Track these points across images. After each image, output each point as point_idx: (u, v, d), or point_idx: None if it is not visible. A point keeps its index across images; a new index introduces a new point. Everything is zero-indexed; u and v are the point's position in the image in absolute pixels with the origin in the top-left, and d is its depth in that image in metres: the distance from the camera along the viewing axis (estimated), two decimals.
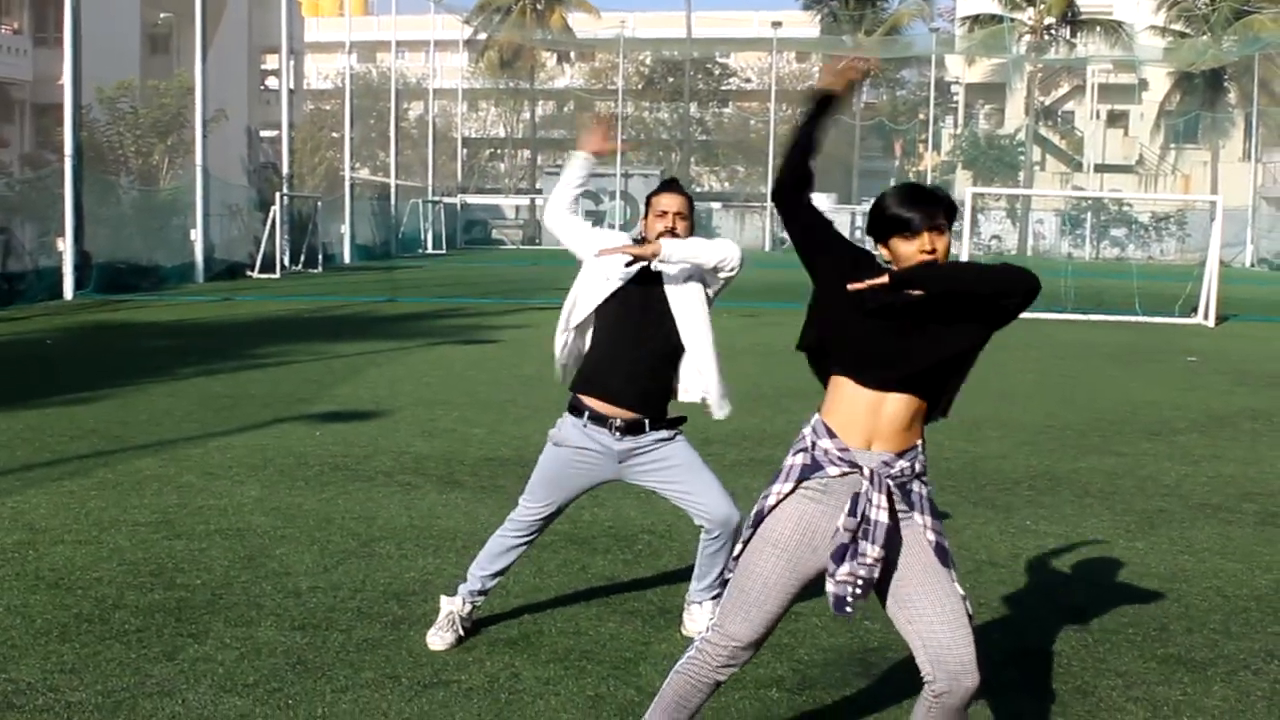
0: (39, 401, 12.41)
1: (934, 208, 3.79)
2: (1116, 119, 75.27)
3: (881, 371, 3.77)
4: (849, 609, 3.72)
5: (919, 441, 3.84)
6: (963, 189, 72.33)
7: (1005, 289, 3.80)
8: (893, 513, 3.74)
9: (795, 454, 3.84)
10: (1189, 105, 71.31)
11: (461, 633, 5.59)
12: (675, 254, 5.22)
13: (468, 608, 5.63)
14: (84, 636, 5.64)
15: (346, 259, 45.49)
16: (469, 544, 7.24)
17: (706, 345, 5.39)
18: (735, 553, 3.92)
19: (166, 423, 11.37)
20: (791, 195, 3.93)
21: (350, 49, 53.25)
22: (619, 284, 5.37)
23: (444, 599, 5.66)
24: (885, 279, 3.71)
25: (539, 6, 75.01)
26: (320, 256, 40.35)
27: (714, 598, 5.61)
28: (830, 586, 3.72)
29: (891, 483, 3.74)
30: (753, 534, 3.85)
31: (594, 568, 6.83)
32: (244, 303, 26.67)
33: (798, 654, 5.53)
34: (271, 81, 60.40)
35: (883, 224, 3.81)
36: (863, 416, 3.76)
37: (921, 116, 76.24)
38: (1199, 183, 69.88)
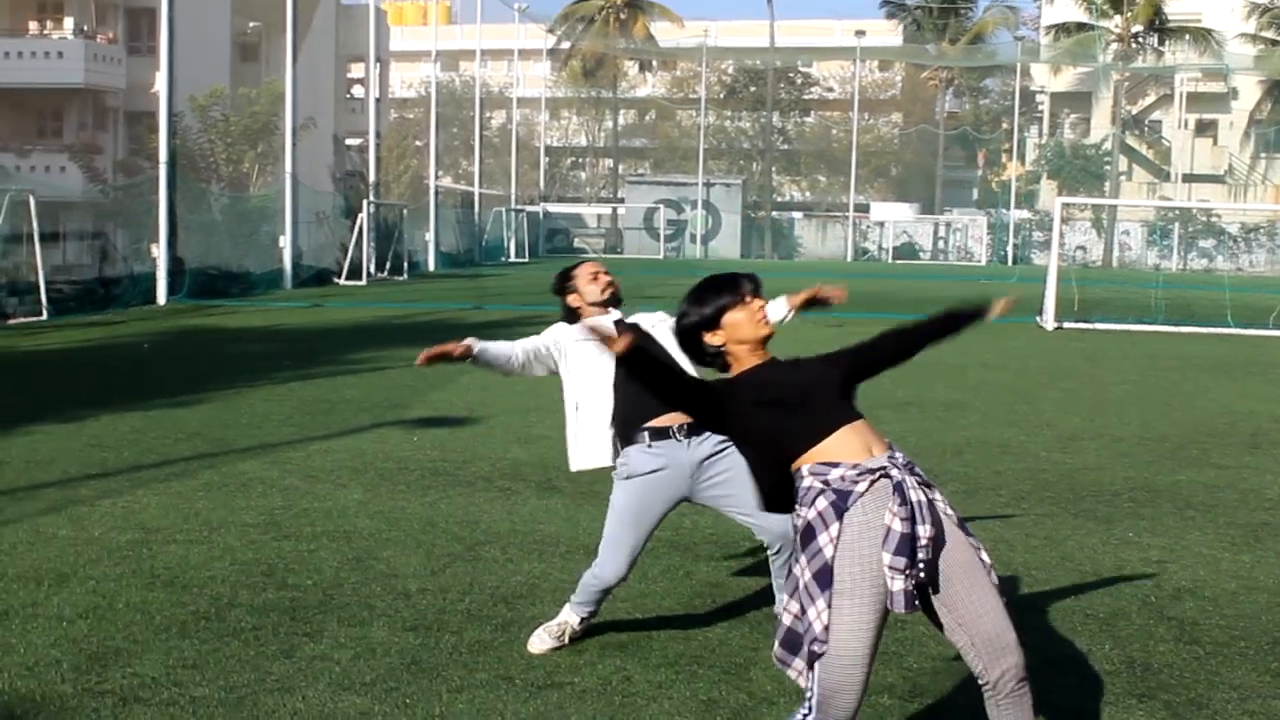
0: (141, 404, 12.66)
1: (744, 280, 4.20)
2: (1205, 128, 74.21)
3: (829, 423, 3.96)
4: (917, 604, 3.78)
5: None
6: (1048, 199, 71.82)
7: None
8: (925, 493, 3.87)
9: (813, 504, 3.84)
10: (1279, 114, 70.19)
11: (565, 643, 5.63)
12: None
13: (581, 625, 5.67)
14: (203, 633, 5.76)
15: (431, 266, 45.89)
16: (572, 549, 7.34)
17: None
18: (814, 623, 3.79)
19: (267, 426, 11.56)
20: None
21: (436, 57, 53.68)
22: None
23: (569, 608, 5.67)
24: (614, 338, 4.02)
25: (622, 16, 75.23)
26: (405, 264, 40.72)
27: None
28: (896, 584, 3.73)
29: (912, 475, 3.88)
30: (828, 595, 3.77)
31: (699, 574, 6.87)
32: (333, 309, 26.99)
33: (907, 661, 5.55)
34: (357, 90, 61.08)
35: (707, 319, 4.14)
36: (848, 443, 3.91)
37: (1005, 126, 75.66)
38: None
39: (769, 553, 5.64)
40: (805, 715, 3.82)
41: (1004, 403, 14.02)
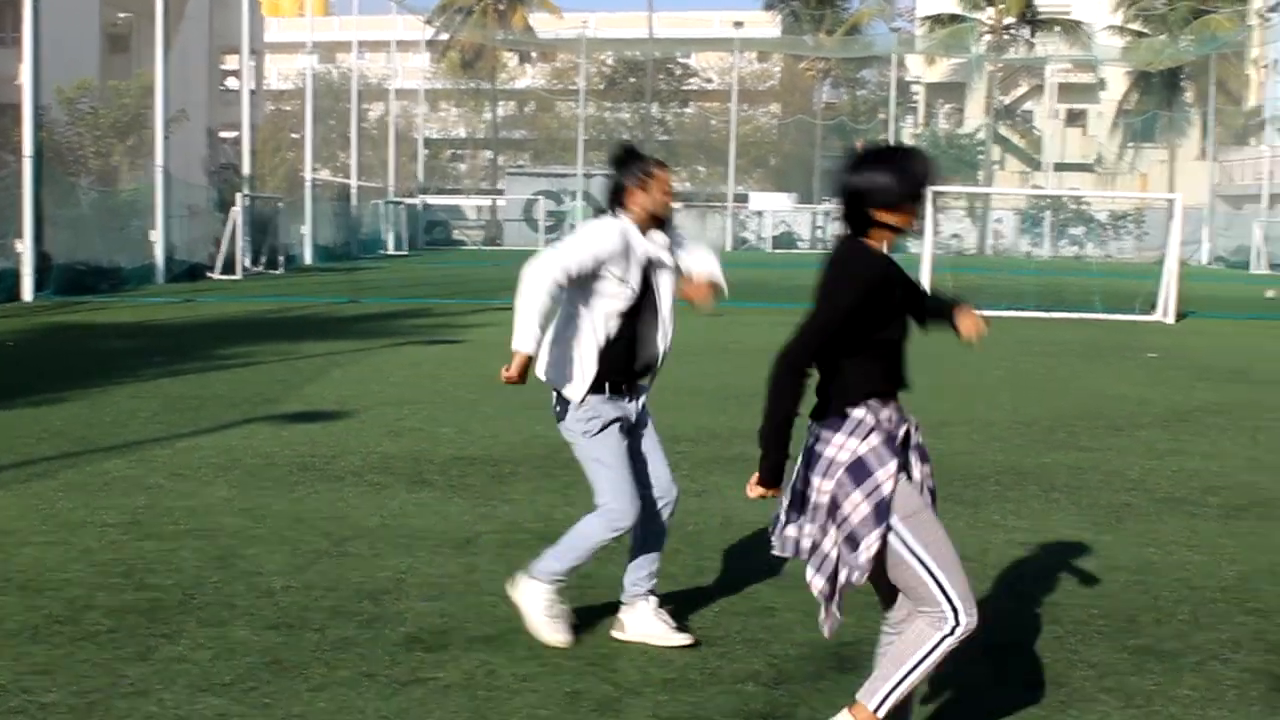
0: (3, 403, 12.32)
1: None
2: (1075, 118, 75.80)
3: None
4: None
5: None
6: None
7: None
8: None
9: (865, 437, 3.98)
10: (1147, 104, 71.85)
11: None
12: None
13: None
14: (56, 638, 5.61)
15: (308, 260, 45.27)
16: (440, 543, 7.26)
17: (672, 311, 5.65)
18: (861, 554, 3.98)
19: (132, 424, 11.31)
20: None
21: (311, 49, 52.99)
22: (638, 280, 5.48)
23: (542, 590, 5.60)
24: None
25: (500, 7, 74.92)
26: (281, 258, 40.13)
27: (655, 593, 5.65)
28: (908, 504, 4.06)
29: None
30: (883, 528, 3.95)
31: None
32: (206, 304, 26.52)
33: (773, 649, 5.56)
34: (231, 82, 60.07)
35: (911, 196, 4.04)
36: (897, 386, 4.11)
37: (882, 116, 76.48)
38: (1157, 181, 70.40)
39: (661, 503, 5.62)
40: (954, 625, 4.00)
41: None
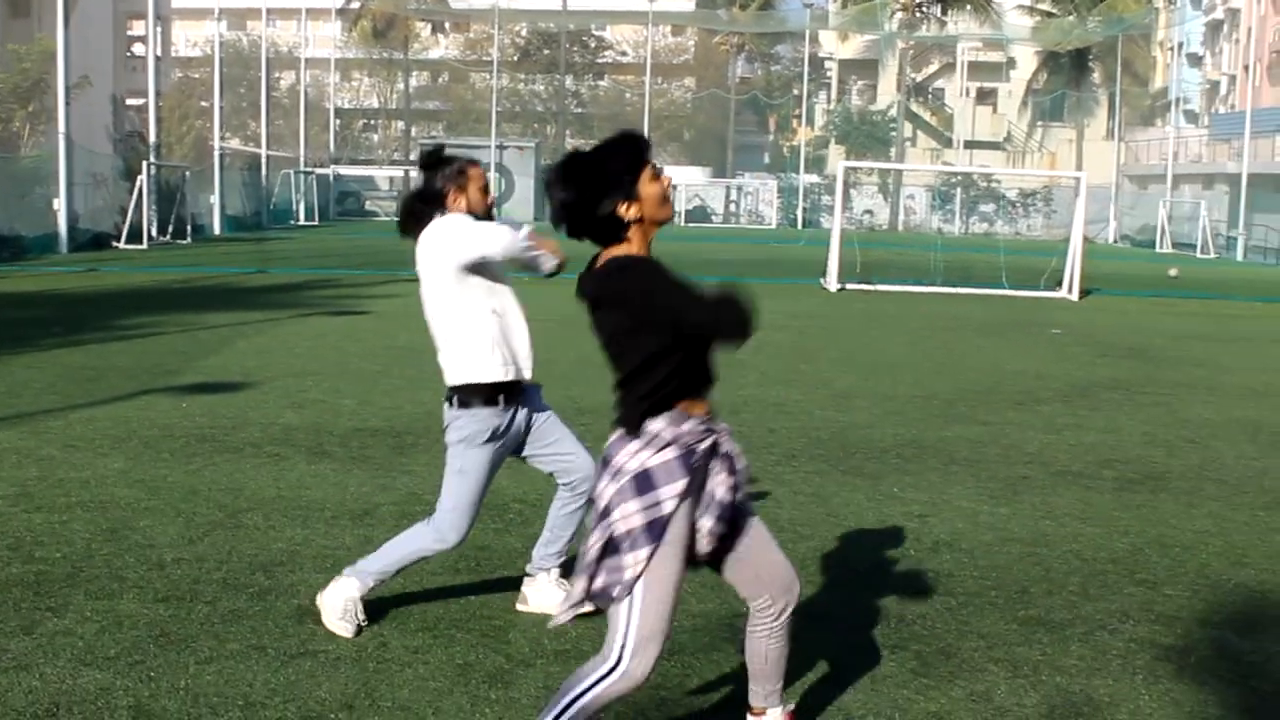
0: None
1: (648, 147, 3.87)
2: (985, 96, 76.51)
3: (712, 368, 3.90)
4: (707, 555, 3.87)
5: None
6: (836, 164, 73.21)
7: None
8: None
9: (659, 451, 3.70)
10: (1055, 84, 72.68)
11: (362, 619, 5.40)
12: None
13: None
14: None
15: (216, 230, 44.65)
16: (338, 514, 7.20)
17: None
18: (627, 571, 3.69)
19: (26, 395, 11.09)
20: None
21: (220, 15, 52.17)
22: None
23: (349, 584, 5.33)
24: None
25: None
26: (189, 227, 39.52)
27: (559, 566, 5.63)
28: (703, 546, 3.80)
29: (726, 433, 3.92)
30: (653, 548, 3.69)
31: None
32: (109, 274, 26.07)
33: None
34: (138, 48, 59.00)
35: (623, 171, 3.75)
36: (706, 389, 3.86)
37: (796, 92, 76.76)
38: (1065, 160, 71.24)
39: (566, 494, 5.55)
40: (612, 667, 3.69)
41: (783, 362, 14.22)
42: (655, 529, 3.68)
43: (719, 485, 3.81)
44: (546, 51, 77.92)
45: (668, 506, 3.68)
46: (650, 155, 3.83)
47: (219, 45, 50.51)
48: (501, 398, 5.24)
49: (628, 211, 3.73)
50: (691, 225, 64.81)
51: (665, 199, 3.80)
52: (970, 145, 73.47)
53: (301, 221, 56.16)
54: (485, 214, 5.37)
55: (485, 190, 5.39)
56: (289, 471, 8.27)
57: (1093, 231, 50.74)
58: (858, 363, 14.58)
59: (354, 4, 75.86)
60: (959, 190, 68.03)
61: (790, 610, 4.06)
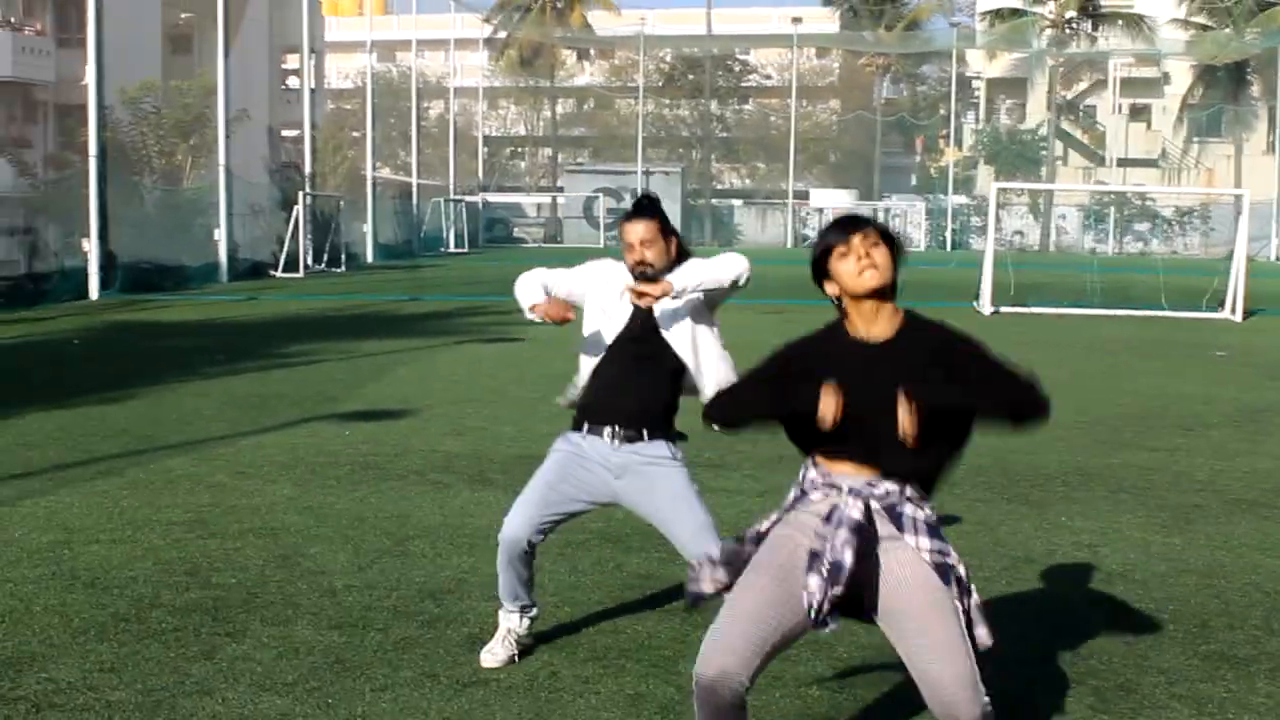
0: (69, 401, 12.44)
1: (862, 226, 3.82)
2: (1139, 113, 74.93)
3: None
4: (827, 623, 3.68)
5: (911, 480, 3.79)
6: (986, 184, 72.25)
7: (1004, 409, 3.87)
8: (872, 528, 3.71)
9: (790, 490, 3.91)
10: (1212, 98, 70.95)
11: (516, 651, 5.39)
12: (687, 286, 5.09)
13: (525, 623, 5.45)
14: (122, 635, 5.64)
15: (369, 258, 45.54)
16: None
17: (709, 358, 5.26)
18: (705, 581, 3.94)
19: (196, 422, 11.39)
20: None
21: (371, 48, 53.28)
22: (621, 327, 5.27)
23: (502, 614, 5.42)
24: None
25: (559, 4, 75.00)
26: (343, 256, 40.39)
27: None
28: (804, 599, 3.69)
29: (875, 502, 3.72)
30: (733, 568, 3.90)
31: (629, 566, 6.80)
32: (268, 302, 26.72)
33: (837, 651, 5.50)
34: (292, 81, 60.46)
35: (820, 258, 3.84)
36: (860, 462, 3.78)
37: (942, 112, 76.01)
38: (1222, 176, 69.48)
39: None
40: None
41: None
42: (752, 536, 3.92)
43: (848, 512, 3.71)
44: (691, 76, 78.13)
45: (764, 525, 3.91)
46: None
47: (370, 76, 51.53)
48: None
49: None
50: None
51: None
52: (1124, 163, 71.97)
53: (451, 249, 57.00)
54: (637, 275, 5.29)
55: (632, 246, 5.24)
56: (453, 499, 8.36)
57: (1254, 249, 49.30)
58: None
59: (501, 34, 76.90)
60: (1112, 209, 66.70)
61: None
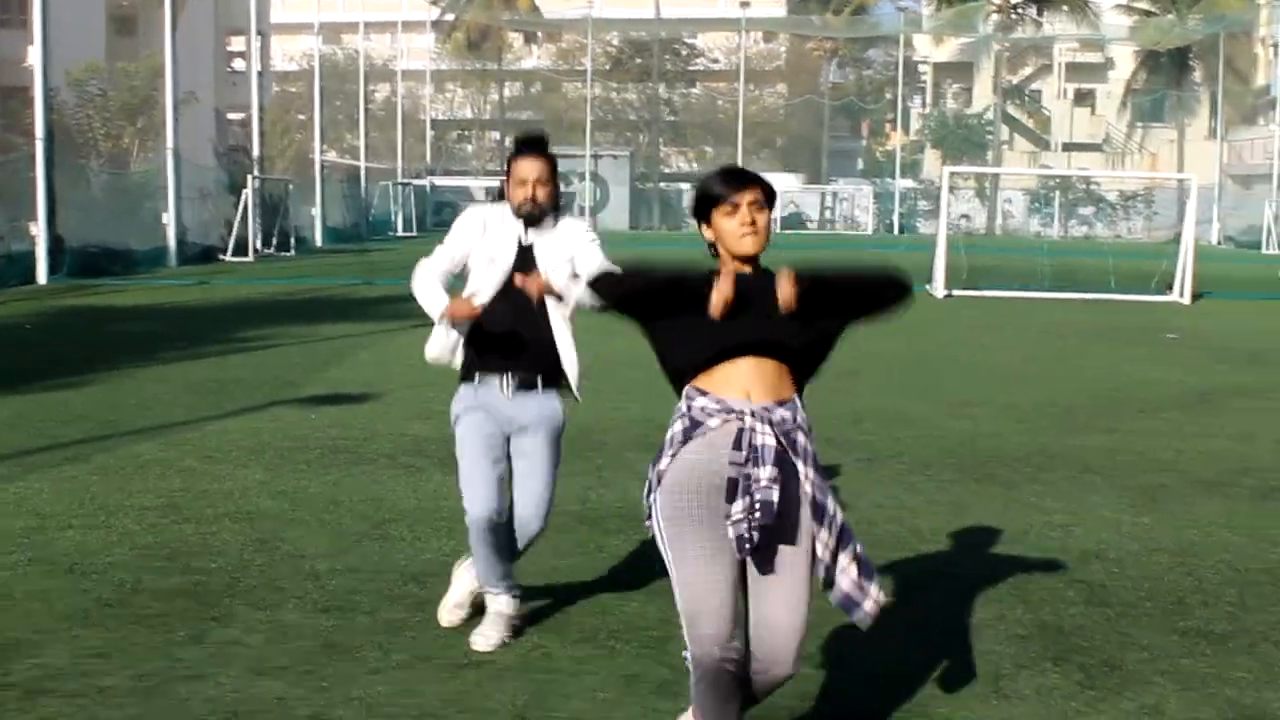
0: (24, 387, 12.32)
1: (751, 184, 3.93)
2: (1084, 98, 75.57)
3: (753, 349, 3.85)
4: (749, 545, 3.70)
5: (795, 395, 3.88)
6: (933, 168, 72.63)
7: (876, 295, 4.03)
8: (779, 443, 3.78)
9: (673, 426, 3.87)
10: (1155, 84, 71.62)
11: (508, 634, 5.40)
12: (567, 297, 5.11)
13: (514, 604, 5.45)
14: (108, 621, 5.62)
15: (318, 242, 45.24)
16: None
17: (566, 336, 5.34)
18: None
19: (156, 407, 11.31)
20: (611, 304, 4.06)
21: (318, 30, 52.87)
22: (505, 270, 5.30)
23: (489, 598, 5.44)
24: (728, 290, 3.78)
25: None
26: (292, 240, 40.12)
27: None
28: (730, 531, 3.71)
29: (774, 427, 3.78)
30: (660, 525, 3.82)
31: (609, 548, 6.84)
32: (220, 286, 26.52)
33: (822, 631, 5.55)
34: (238, 63, 59.96)
35: (703, 203, 3.95)
36: (737, 375, 3.82)
37: (889, 96, 76.33)
38: (1166, 161, 70.19)
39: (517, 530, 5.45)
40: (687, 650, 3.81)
41: (898, 371, 14.15)
42: (650, 484, 3.87)
43: (761, 436, 3.75)
44: (638, 60, 78.07)
45: (663, 463, 3.83)
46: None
47: (319, 59, 51.17)
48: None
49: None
50: (787, 232, 64.59)
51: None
52: (1069, 147, 72.63)
53: (400, 233, 56.77)
54: (522, 216, 5.33)
55: (524, 183, 5.26)
56: (425, 483, 8.36)
57: (1196, 233, 49.95)
58: (974, 370, 14.48)
59: (448, 17, 76.50)
60: (1057, 193, 67.25)
61: (764, 682, 3.85)
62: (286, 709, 4.69)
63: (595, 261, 5.08)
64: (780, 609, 3.78)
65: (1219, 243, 59.58)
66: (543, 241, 5.33)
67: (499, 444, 5.35)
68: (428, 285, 5.39)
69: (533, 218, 5.29)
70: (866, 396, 12.14)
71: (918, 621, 5.70)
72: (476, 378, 5.35)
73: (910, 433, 10.36)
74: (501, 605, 5.41)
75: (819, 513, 3.80)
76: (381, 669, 5.08)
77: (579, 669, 5.10)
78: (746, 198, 3.89)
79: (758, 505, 3.68)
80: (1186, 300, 24.93)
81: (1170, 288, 25.68)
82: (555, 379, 5.36)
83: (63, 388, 12.34)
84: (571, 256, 5.29)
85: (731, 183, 3.92)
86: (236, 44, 60.13)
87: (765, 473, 3.70)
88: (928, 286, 26.01)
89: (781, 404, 3.82)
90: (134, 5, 50.39)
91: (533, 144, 5.33)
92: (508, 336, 5.28)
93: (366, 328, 18.18)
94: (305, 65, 67.55)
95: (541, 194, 5.26)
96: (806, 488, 3.79)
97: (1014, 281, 26.91)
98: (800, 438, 3.82)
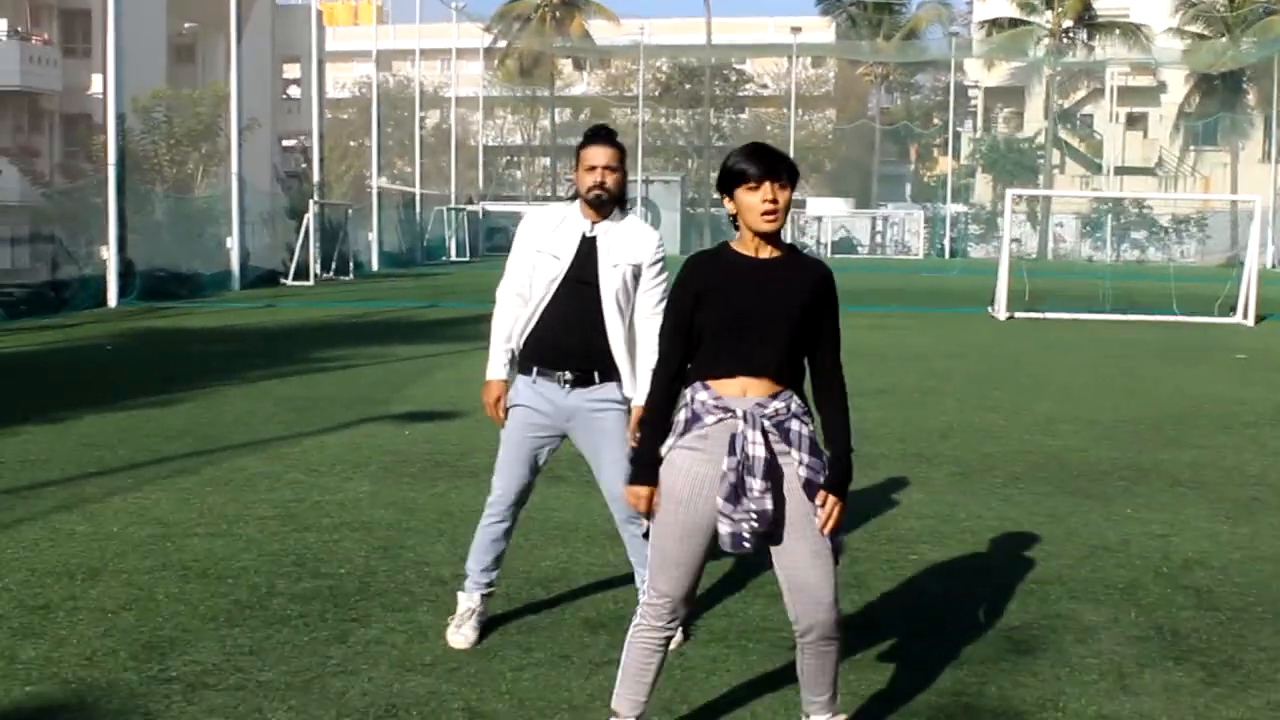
0: (119, 405, 12.61)
1: (775, 163, 4.11)
2: (1136, 121, 75.34)
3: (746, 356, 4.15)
4: (746, 544, 4.07)
5: (788, 388, 4.15)
6: (983, 192, 72.56)
7: None
8: (770, 449, 4.06)
9: (679, 411, 4.18)
10: (1208, 107, 71.33)
11: (479, 630, 5.63)
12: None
13: (482, 604, 5.70)
14: (251, 621, 5.83)
15: (375, 266, 45.74)
16: (592, 535, 7.47)
17: (620, 342, 5.44)
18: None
19: (253, 423, 11.57)
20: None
21: (375, 57, 53.48)
22: (567, 265, 5.42)
23: (461, 596, 5.70)
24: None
25: (558, 14, 75.27)
26: (350, 264, 40.58)
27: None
28: (724, 527, 4.07)
29: (767, 422, 4.06)
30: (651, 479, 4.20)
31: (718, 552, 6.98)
32: (287, 309, 26.89)
33: (946, 633, 5.70)
34: (293, 90, 60.72)
35: (729, 178, 4.13)
36: (742, 380, 4.11)
37: (937, 121, 76.33)
38: (1219, 184, 69.88)
39: (618, 518, 5.64)
40: (644, 584, 4.33)
41: (975, 389, 14.27)
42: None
43: (753, 445, 4.03)
44: (688, 86, 78.44)
45: (662, 450, 4.18)
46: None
47: (375, 86, 51.73)
48: None
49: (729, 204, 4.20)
50: (838, 256, 64.71)
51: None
52: (1121, 171, 72.38)
53: (454, 257, 57.24)
54: (591, 201, 5.43)
55: (593, 169, 5.36)
56: (532, 495, 8.51)
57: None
58: (1048, 388, 14.56)
59: (500, 43, 77.10)
60: (1109, 217, 67.04)
61: (817, 637, 4.18)
62: (441, 702, 4.88)
63: (652, 313, 5.39)
64: (807, 563, 4.11)
65: (1273, 266, 59.25)
66: (606, 236, 5.44)
67: (542, 441, 5.58)
68: (494, 335, 5.66)
69: (600, 201, 5.39)
70: (950, 413, 12.28)
71: (1031, 622, 5.84)
72: (534, 371, 5.50)
73: (997, 447, 10.48)
74: (474, 602, 5.66)
75: (810, 490, 4.10)
76: (525, 666, 5.27)
77: (715, 666, 5.27)
78: (771, 177, 4.09)
79: (754, 514, 4.02)
80: (1251, 322, 24.89)
81: (1234, 310, 25.63)
82: (610, 375, 5.49)
83: (158, 405, 12.63)
84: (636, 266, 5.44)
85: (758, 162, 4.10)
86: (290, 71, 60.90)
87: (758, 484, 4.02)
88: (990, 309, 26.09)
89: (775, 396, 4.10)
90: (192, 34, 51.16)
91: (601, 133, 5.49)
92: (567, 333, 5.43)
93: (439, 348, 18.44)
94: (357, 92, 68.33)
95: (610, 179, 5.38)
96: (801, 471, 4.10)
97: (1075, 303, 26.94)
98: (795, 424, 4.12)
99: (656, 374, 4.26)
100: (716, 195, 4.27)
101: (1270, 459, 10.17)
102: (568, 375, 5.43)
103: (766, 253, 4.15)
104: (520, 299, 5.56)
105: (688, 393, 4.16)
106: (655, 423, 4.20)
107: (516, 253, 5.62)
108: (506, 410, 5.59)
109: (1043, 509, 8.23)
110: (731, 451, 4.03)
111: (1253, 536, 7.58)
